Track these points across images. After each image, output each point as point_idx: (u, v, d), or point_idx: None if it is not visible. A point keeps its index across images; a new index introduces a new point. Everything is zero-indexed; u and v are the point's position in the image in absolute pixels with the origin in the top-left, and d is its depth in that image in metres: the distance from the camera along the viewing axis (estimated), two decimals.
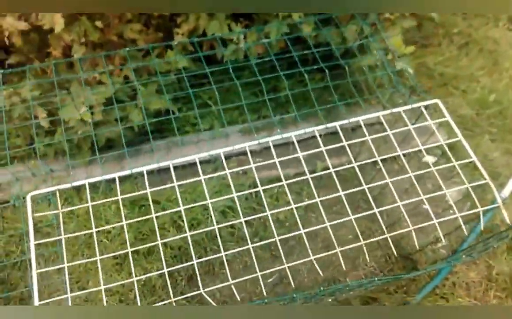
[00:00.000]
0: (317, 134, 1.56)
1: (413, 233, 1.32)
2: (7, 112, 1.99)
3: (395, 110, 1.62)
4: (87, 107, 1.96)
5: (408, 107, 1.63)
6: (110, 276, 1.88)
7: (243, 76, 2.41)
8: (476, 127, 2.56)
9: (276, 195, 2.24)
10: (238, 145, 1.52)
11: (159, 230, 2.03)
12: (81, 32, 2.02)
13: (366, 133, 1.55)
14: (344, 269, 1.55)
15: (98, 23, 2.04)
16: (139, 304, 1.29)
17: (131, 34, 2.17)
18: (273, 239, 1.32)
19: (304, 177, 1.49)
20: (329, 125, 1.59)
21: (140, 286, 1.89)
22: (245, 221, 2.14)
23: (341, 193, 1.42)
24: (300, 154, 1.51)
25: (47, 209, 2.02)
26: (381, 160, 2.35)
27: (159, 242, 1.26)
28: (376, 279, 1.57)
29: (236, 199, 1.37)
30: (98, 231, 1.98)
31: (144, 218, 1.38)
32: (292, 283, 1.60)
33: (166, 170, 1.55)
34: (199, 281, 1.26)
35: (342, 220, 1.44)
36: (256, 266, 1.28)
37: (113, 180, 1.38)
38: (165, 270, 1.20)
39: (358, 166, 1.50)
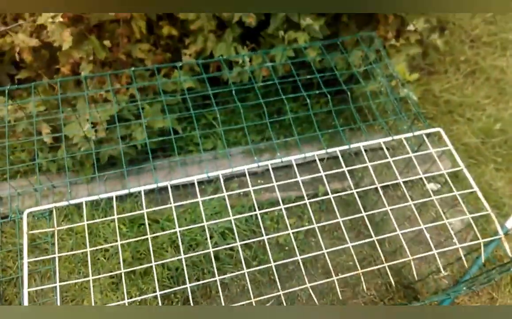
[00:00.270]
0: (317, 159, 1.56)
1: (412, 263, 1.29)
2: (11, 127, 2.02)
3: (396, 137, 1.61)
4: (90, 125, 1.98)
5: (410, 134, 1.62)
6: (106, 296, 1.87)
7: (249, 98, 2.43)
8: (481, 156, 2.53)
9: (277, 218, 2.22)
10: (236, 168, 1.51)
11: (157, 250, 2.03)
12: (90, 50, 2.05)
13: (367, 160, 1.54)
14: (341, 298, 1.51)
15: (107, 42, 2.08)
16: None
17: (140, 54, 2.21)
18: (270, 265, 1.30)
19: (304, 201, 1.48)
20: (330, 150, 1.58)
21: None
22: (245, 244, 2.14)
23: (340, 219, 1.40)
24: (299, 178, 1.50)
25: (46, 225, 2.03)
26: (385, 186, 2.33)
27: (153, 264, 1.24)
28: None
29: (233, 221, 1.36)
30: (96, 249, 1.99)
31: (141, 238, 1.36)
32: None
33: (166, 188, 1.54)
34: (192, 305, 1.24)
35: (341, 247, 1.42)
36: (251, 291, 1.26)
37: (113, 199, 1.38)
38: (158, 293, 1.19)
39: (361, 192, 1.48)
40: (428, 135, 1.63)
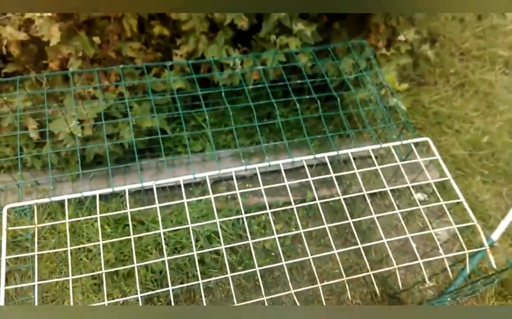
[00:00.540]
0: (305, 164, 1.55)
1: (397, 272, 1.29)
2: None
3: (384, 145, 1.61)
4: (77, 122, 1.95)
5: (398, 143, 1.62)
6: (87, 297, 1.83)
7: (239, 101, 2.42)
8: (468, 168, 2.55)
9: (264, 223, 2.21)
10: (224, 170, 1.50)
11: (142, 252, 2.00)
12: (79, 47, 2.02)
13: (355, 167, 1.53)
14: (324, 304, 1.49)
15: (96, 39, 2.05)
16: None
17: (130, 52, 2.18)
18: (254, 270, 1.28)
19: (291, 207, 1.47)
20: (318, 155, 1.57)
21: None
22: (231, 249, 2.12)
23: (326, 226, 1.39)
24: (287, 183, 1.49)
25: (27, 223, 1.98)
26: (372, 195, 2.34)
27: (135, 265, 1.22)
28: None
29: (218, 224, 1.34)
30: (79, 248, 1.95)
31: (123, 238, 1.33)
32: None
33: (153, 189, 1.52)
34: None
35: (326, 254, 1.41)
36: (235, 296, 1.24)
37: (97, 197, 1.35)
38: (139, 295, 1.16)
39: (348, 199, 1.47)
40: (416, 144, 1.64)
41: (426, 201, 2.31)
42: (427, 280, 1.40)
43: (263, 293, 1.25)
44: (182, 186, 1.42)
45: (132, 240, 1.26)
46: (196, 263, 1.26)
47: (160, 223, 1.31)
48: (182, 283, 1.93)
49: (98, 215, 1.28)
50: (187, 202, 1.39)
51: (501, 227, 2.16)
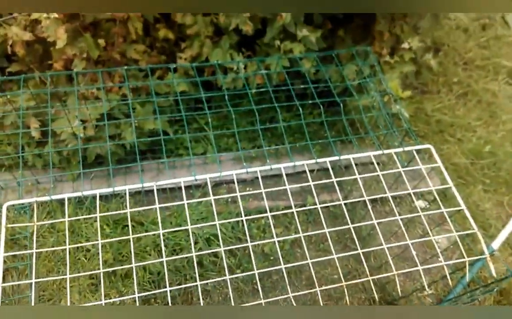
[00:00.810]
0: (306, 168, 1.55)
1: (396, 278, 1.28)
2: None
3: (386, 151, 1.61)
4: (79, 122, 1.95)
5: (400, 149, 1.62)
6: (84, 296, 1.82)
7: (242, 105, 2.43)
8: (470, 176, 2.54)
9: (263, 227, 2.20)
10: (225, 172, 1.50)
11: (140, 253, 2.00)
12: (84, 48, 2.03)
13: (356, 172, 1.53)
14: None
15: (101, 41, 2.06)
16: None
17: (134, 55, 2.19)
18: (253, 272, 1.28)
19: (291, 210, 1.46)
20: (319, 160, 1.57)
21: None
22: (229, 251, 2.12)
23: (326, 230, 1.39)
24: (288, 187, 1.49)
25: (27, 221, 1.98)
26: (373, 201, 2.33)
27: (133, 265, 1.22)
28: None
29: (218, 225, 1.33)
30: (77, 247, 1.95)
31: (121, 238, 1.33)
32: None
33: (153, 191, 1.52)
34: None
35: (325, 258, 1.40)
36: (233, 299, 1.23)
37: (97, 197, 1.35)
38: (137, 295, 1.16)
39: (349, 205, 1.47)
40: (418, 151, 1.64)
41: (427, 208, 2.30)
42: (426, 287, 1.39)
43: (261, 296, 1.24)
44: (183, 187, 1.42)
45: (131, 240, 1.26)
46: (194, 265, 1.26)
47: (160, 223, 1.31)
48: (179, 284, 1.92)
49: (98, 215, 1.29)
50: (187, 204, 1.39)
51: (501, 236, 2.16)
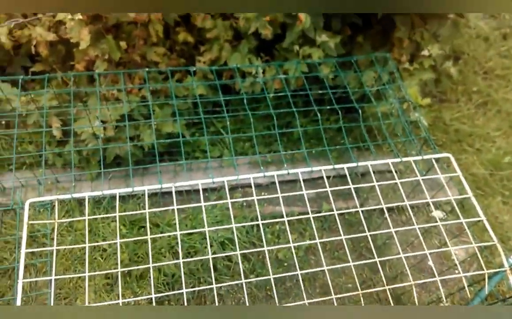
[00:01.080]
0: (323, 174, 1.54)
1: (413, 288, 1.27)
2: (22, 118, 2.03)
3: (405, 159, 1.60)
4: (100, 122, 1.99)
5: (419, 158, 1.60)
6: (100, 296, 1.84)
7: (259, 109, 2.43)
8: (488, 187, 2.50)
9: (278, 232, 2.20)
10: (242, 175, 1.50)
11: (156, 255, 2.01)
12: (106, 50, 2.07)
13: (374, 180, 1.52)
14: None
15: (122, 43, 2.10)
16: None
17: (155, 57, 2.22)
18: (268, 277, 1.28)
19: (307, 216, 1.46)
20: (337, 166, 1.56)
21: None
22: (243, 256, 2.12)
23: (343, 237, 1.38)
24: (305, 192, 1.49)
25: (47, 218, 2.02)
26: (389, 209, 2.31)
27: (151, 265, 1.23)
28: None
29: (234, 230, 1.34)
30: (94, 246, 1.97)
31: (138, 238, 1.35)
32: None
33: (170, 193, 1.54)
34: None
35: (341, 265, 1.39)
36: (247, 304, 1.23)
37: (116, 196, 1.37)
38: (153, 296, 1.17)
39: (365, 213, 1.46)
40: (437, 160, 1.62)
41: (444, 218, 2.27)
42: (444, 298, 1.37)
43: (276, 302, 1.24)
44: (201, 189, 1.43)
45: (149, 241, 1.28)
46: (210, 267, 1.26)
47: (178, 226, 1.32)
48: (193, 287, 1.93)
49: (118, 214, 1.30)
50: (204, 206, 1.40)
51: None
